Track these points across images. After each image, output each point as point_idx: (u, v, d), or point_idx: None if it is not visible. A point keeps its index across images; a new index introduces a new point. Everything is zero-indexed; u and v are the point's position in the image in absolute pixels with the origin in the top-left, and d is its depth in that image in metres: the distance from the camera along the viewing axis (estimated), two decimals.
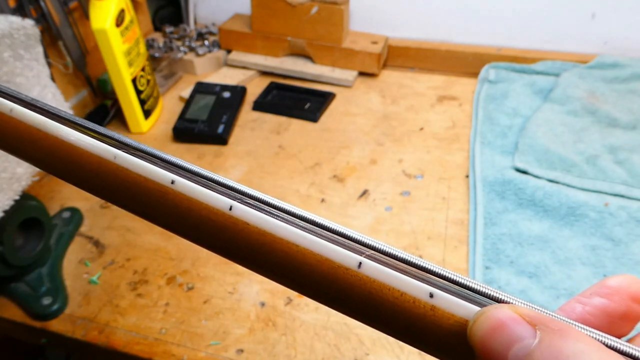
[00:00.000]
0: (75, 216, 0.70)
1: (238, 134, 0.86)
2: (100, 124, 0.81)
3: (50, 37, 0.80)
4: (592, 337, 0.16)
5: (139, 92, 0.83)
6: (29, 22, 0.58)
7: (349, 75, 0.97)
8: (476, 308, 0.18)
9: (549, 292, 0.57)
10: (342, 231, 0.20)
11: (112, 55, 0.77)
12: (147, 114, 0.87)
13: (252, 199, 0.21)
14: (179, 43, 1.04)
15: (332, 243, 0.20)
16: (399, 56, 1.02)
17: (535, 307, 0.17)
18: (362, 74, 0.99)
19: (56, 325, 0.58)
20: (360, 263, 0.19)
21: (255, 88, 0.96)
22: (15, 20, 0.57)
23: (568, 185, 0.69)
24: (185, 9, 1.10)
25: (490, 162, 0.74)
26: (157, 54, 1.00)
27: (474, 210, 0.68)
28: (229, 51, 1.04)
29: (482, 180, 0.71)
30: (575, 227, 0.64)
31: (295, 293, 0.59)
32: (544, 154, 0.73)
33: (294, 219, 0.21)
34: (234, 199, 0.21)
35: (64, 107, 0.65)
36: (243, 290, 0.60)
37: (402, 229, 0.67)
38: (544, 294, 0.57)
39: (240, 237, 0.20)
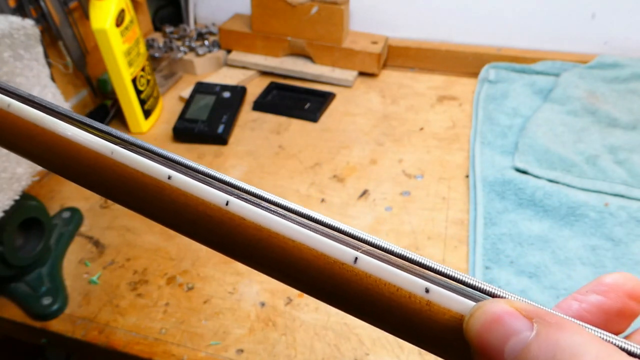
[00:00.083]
0: (75, 216, 0.70)
1: (238, 134, 0.86)
2: None
3: (50, 37, 0.80)
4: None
5: (139, 92, 0.83)
6: (29, 22, 0.58)
7: (349, 75, 0.97)
8: (472, 303, 0.18)
9: (549, 292, 0.57)
10: (338, 226, 0.20)
11: (112, 55, 0.77)
12: (147, 114, 0.87)
13: (248, 194, 0.21)
14: (179, 43, 1.04)
15: (329, 238, 0.20)
16: (399, 56, 1.02)
17: (532, 302, 0.17)
18: (362, 74, 0.99)
19: (56, 325, 0.58)
20: (357, 258, 0.19)
21: (255, 88, 0.97)
22: (15, 20, 0.57)
23: (568, 185, 0.69)
24: (185, 9, 1.11)
25: (490, 162, 0.74)
26: (157, 54, 1.00)
27: (474, 210, 0.68)
28: (229, 51, 1.04)
29: (482, 180, 0.71)
30: (575, 227, 0.64)
31: (296, 293, 0.59)
32: (544, 154, 0.73)
33: (291, 214, 0.21)
34: (231, 194, 0.21)
35: (64, 107, 0.65)
36: (243, 290, 0.60)
37: (402, 229, 0.67)
38: (544, 294, 0.57)
39: (237, 232, 0.20)
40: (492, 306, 0.17)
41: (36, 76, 0.61)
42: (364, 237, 0.20)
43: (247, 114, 0.91)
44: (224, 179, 0.22)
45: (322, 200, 0.72)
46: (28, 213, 0.59)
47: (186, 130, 0.84)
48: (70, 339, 0.57)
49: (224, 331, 0.56)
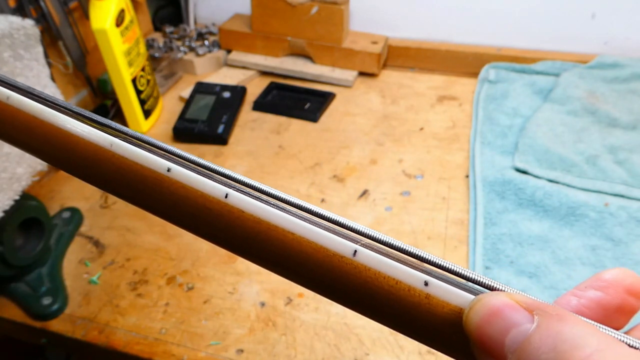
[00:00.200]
0: (75, 216, 0.70)
1: (238, 134, 0.86)
2: None
3: (50, 37, 0.80)
4: None
5: (139, 92, 0.83)
6: (29, 22, 0.59)
7: (349, 75, 0.97)
8: (471, 296, 0.18)
9: (549, 292, 0.57)
10: (337, 219, 0.20)
11: (112, 55, 0.77)
12: (147, 114, 0.87)
13: (248, 187, 0.21)
14: (179, 43, 1.04)
15: (328, 231, 0.20)
16: (399, 56, 1.02)
17: (531, 296, 0.17)
18: (362, 74, 0.99)
19: (56, 325, 0.58)
20: (356, 251, 0.19)
21: (255, 88, 0.97)
22: (15, 20, 0.57)
23: (568, 185, 0.69)
24: (185, 9, 1.11)
25: (490, 162, 0.74)
26: (157, 54, 1.00)
27: (474, 210, 0.68)
28: (229, 51, 1.04)
29: (482, 180, 0.71)
30: (575, 227, 0.64)
31: (296, 293, 0.59)
32: (544, 154, 0.73)
33: (290, 207, 0.21)
34: (230, 187, 0.21)
35: None
36: (243, 290, 0.60)
37: (402, 229, 0.67)
38: (544, 294, 0.57)
39: (236, 225, 0.20)
40: (492, 299, 0.17)
41: (36, 76, 0.61)
42: (363, 230, 0.20)
43: (247, 114, 0.91)
44: (223, 171, 0.21)
45: (322, 200, 0.72)
46: (28, 213, 0.59)
47: (186, 130, 0.84)
48: (70, 339, 0.57)
49: (224, 331, 0.56)
